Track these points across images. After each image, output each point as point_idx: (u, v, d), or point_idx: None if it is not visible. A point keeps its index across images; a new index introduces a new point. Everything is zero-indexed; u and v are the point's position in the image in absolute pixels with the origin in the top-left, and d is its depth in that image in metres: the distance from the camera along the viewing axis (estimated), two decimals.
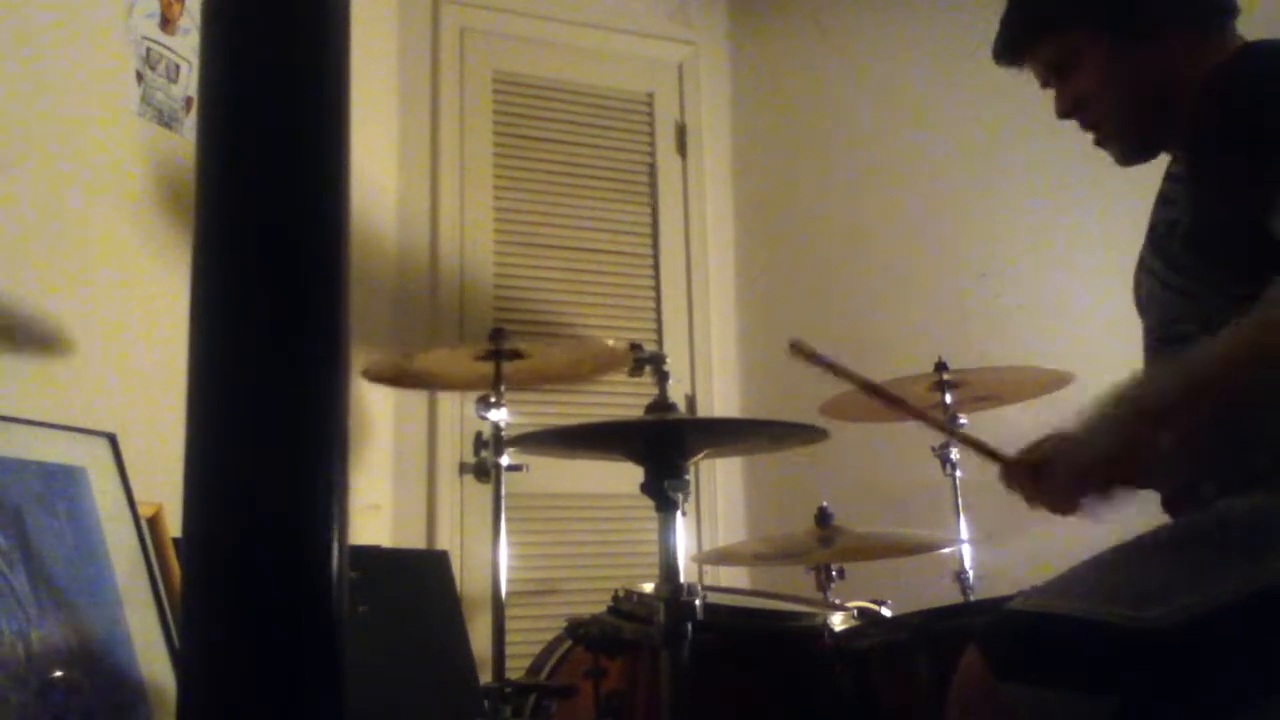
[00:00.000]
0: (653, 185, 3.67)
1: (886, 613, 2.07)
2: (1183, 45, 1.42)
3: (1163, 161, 1.49)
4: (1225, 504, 1.25)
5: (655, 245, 3.63)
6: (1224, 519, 1.24)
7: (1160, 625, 1.15)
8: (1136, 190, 1.55)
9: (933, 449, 2.46)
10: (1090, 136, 1.51)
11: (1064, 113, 1.51)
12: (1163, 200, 1.40)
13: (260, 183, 0.58)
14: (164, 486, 2.21)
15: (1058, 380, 2.35)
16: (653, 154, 3.69)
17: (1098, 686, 1.17)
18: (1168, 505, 1.38)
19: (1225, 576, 1.16)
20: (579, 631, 1.76)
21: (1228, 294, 1.28)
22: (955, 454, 2.43)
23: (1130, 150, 1.49)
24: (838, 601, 2.21)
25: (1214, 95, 1.33)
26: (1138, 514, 1.41)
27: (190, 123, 2.56)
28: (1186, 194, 1.33)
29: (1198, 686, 1.17)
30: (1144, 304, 1.45)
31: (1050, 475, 1.29)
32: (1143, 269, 1.45)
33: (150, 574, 2.09)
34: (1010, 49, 1.53)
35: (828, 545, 2.32)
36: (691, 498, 1.69)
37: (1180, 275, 1.34)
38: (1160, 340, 1.39)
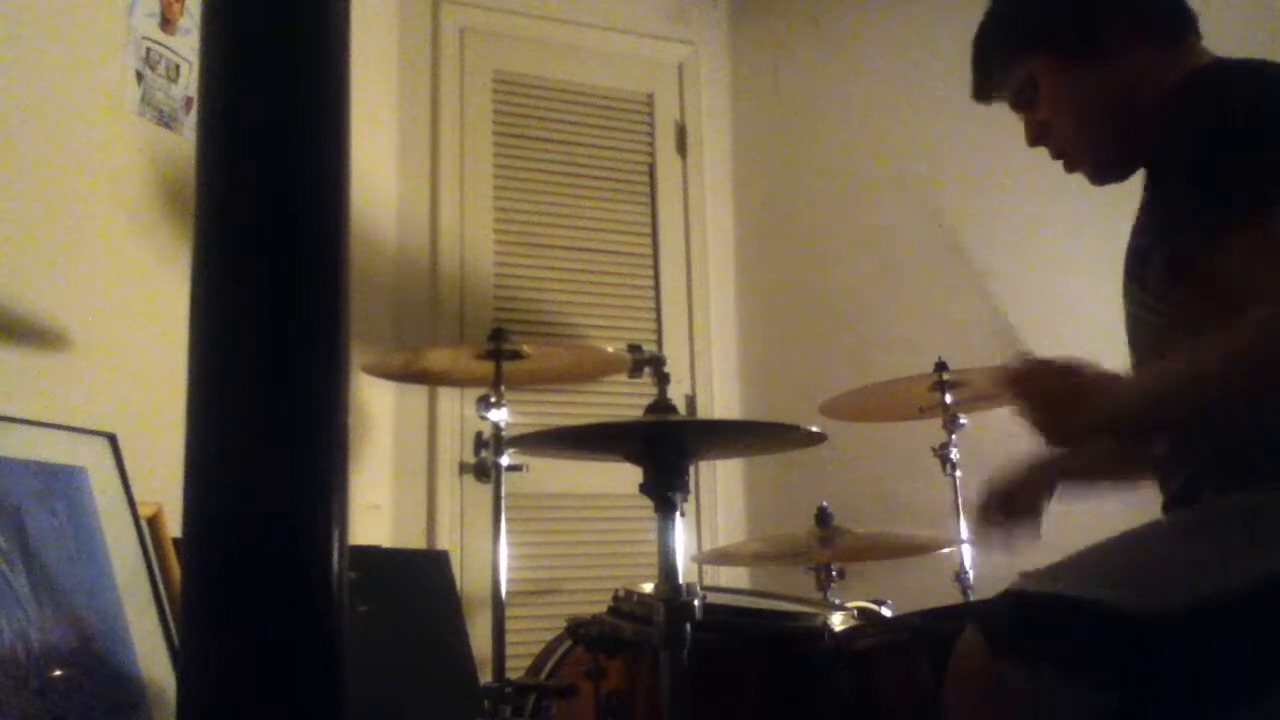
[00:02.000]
0: (653, 185, 3.67)
1: (886, 613, 2.07)
2: (1146, 59, 1.42)
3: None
4: (1225, 500, 1.26)
5: (655, 245, 3.63)
6: (1225, 512, 1.24)
7: (1161, 612, 1.15)
8: (1137, 191, 1.55)
9: (933, 449, 2.46)
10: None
11: (1032, 141, 1.53)
12: (1138, 228, 1.40)
13: (260, 183, 0.58)
14: (164, 486, 2.21)
15: None
16: (653, 154, 3.69)
17: (1095, 667, 1.18)
18: (1168, 507, 1.38)
19: (1226, 567, 1.16)
20: (579, 631, 1.76)
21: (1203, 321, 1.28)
22: (955, 454, 2.43)
23: (1099, 171, 1.50)
24: (838, 601, 2.21)
25: (1171, 121, 1.33)
26: (1140, 509, 1.42)
27: (190, 123, 2.56)
28: (1157, 224, 1.33)
29: (1194, 674, 1.17)
30: (1133, 335, 1.44)
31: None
32: (1127, 299, 1.45)
33: (150, 574, 2.09)
34: (980, 89, 1.56)
35: (828, 545, 2.32)
36: (691, 498, 1.69)
37: (1160, 299, 1.34)
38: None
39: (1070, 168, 1.52)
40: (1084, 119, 1.47)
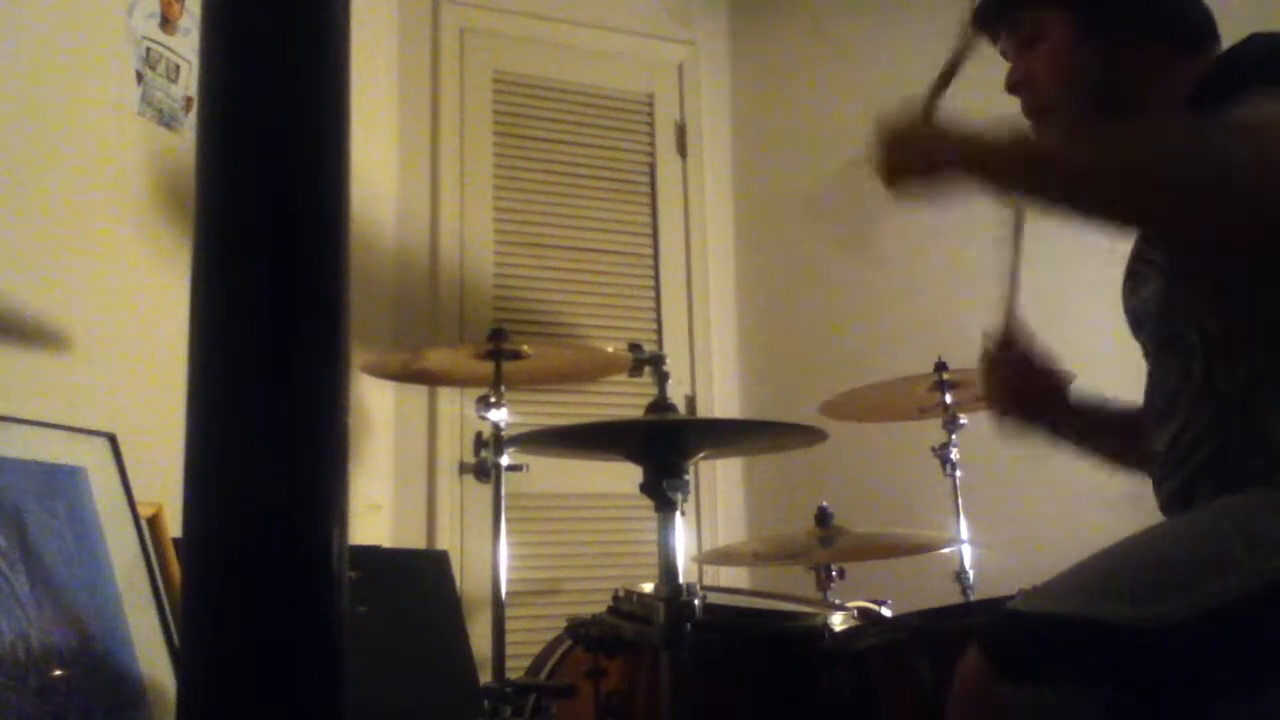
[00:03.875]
0: (653, 185, 3.67)
1: (886, 613, 2.07)
2: (1157, 63, 1.42)
3: None
4: (1222, 503, 1.26)
5: (655, 245, 3.63)
6: (1221, 517, 1.24)
7: (1160, 623, 1.15)
8: None
9: (933, 449, 2.46)
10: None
11: (1010, 86, 1.52)
12: None
13: (260, 183, 0.58)
14: (164, 486, 2.22)
15: None
16: (653, 154, 3.69)
17: (1098, 685, 1.18)
18: (1165, 509, 1.38)
19: (1224, 575, 1.16)
20: (579, 631, 1.76)
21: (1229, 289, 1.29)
22: (955, 454, 2.43)
23: None
24: (838, 601, 2.21)
25: (1211, 94, 1.33)
26: (1136, 515, 1.42)
27: (190, 123, 2.56)
28: None
29: (1196, 683, 1.18)
30: (1141, 307, 1.45)
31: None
32: (1137, 273, 1.45)
33: (150, 574, 2.09)
34: (991, 13, 1.54)
35: (828, 545, 2.32)
36: (691, 498, 1.69)
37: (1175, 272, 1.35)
38: (1166, 342, 1.39)
39: (1039, 131, 1.52)
40: (1070, 89, 1.46)
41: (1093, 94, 1.46)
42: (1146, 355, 1.46)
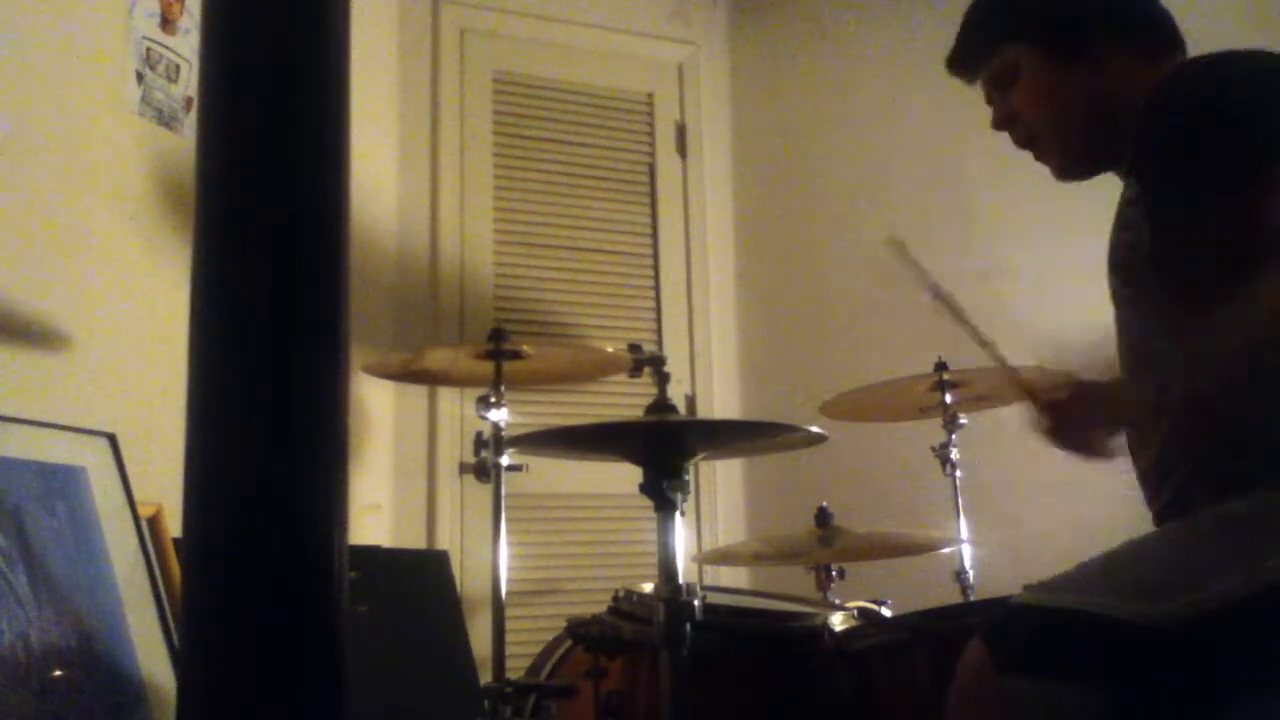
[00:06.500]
0: (653, 185, 3.67)
1: (886, 613, 2.07)
2: (1125, 69, 1.44)
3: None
4: (1224, 505, 1.26)
5: (655, 245, 3.63)
6: (1224, 518, 1.24)
7: (1163, 621, 1.15)
8: None
9: (933, 449, 2.46)
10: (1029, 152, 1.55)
11: (998, 125, 1.55)
12: (1122, 225, 1.42)
13: (260, 183, 0.58)
14: (164, 486, 2.22)
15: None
16: (653, 154, 3.69)
17: (1099, 680, 1.18)
18: (1159, 520, 1.38)
19: (1227, 574, 1.17)
20: (579, 631, 1.76)
21: (1194, 308, 1.30)
22: (955, 454, 2.43)
23: (1067, 166, 1.53)
24: (838, 601, 2.21)
25: (1147, 117, 1.35)
26: (1137, 514, 1.42)
27: (190, 123, 2.56)
28: (1142, 217, 1.35)
29: (1198, 681, 1.18)
30: (1119, 328, 1.46)
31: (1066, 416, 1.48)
32: (1111, 293, 1.47)
33: (150, 574, 2.09)
34: (961, 60, 1.59)
35: (828, 545, 2.32)
36: (691, 498, 1.69)
37: (1143, 292, 1.37)
38: (1139, 356, 1.40)
39: (1039, 157, 1.54)
40: (1059, 115, 1.50)
41: (1078, 112, 1.48)
42: (1125, 368, 1.46)
